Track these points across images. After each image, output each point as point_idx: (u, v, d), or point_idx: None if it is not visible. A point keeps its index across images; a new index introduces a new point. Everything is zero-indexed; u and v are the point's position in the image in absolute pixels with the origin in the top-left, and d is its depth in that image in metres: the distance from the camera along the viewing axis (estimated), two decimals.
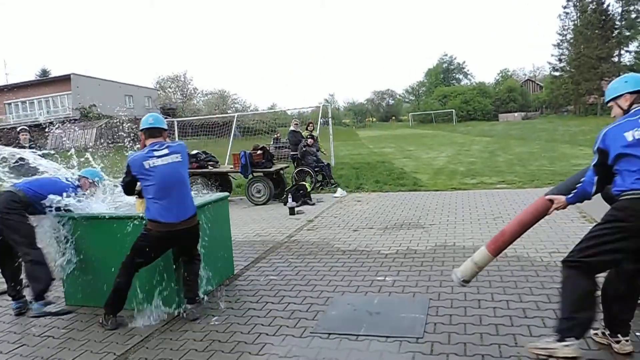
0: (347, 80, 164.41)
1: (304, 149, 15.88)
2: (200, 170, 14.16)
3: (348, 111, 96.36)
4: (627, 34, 62.50)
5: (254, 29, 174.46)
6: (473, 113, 73.66)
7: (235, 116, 23.02)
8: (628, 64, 62.96)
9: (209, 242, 6.38)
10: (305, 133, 17.19)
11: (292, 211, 11.71)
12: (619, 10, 62.66)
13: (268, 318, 5.66)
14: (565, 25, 66.73)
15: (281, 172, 14.65)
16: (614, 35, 62.05)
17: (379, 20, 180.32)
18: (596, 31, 60.90)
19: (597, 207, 5.10)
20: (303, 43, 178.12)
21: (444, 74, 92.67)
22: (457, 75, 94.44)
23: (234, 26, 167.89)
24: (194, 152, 14.70)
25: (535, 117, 69.62)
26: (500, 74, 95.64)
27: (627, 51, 63.82)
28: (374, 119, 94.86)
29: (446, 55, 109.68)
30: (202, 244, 6.13)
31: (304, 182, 13.92)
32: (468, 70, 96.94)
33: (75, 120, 48.96)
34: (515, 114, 69.78)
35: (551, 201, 4.65)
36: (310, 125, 18.07)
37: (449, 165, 19.78)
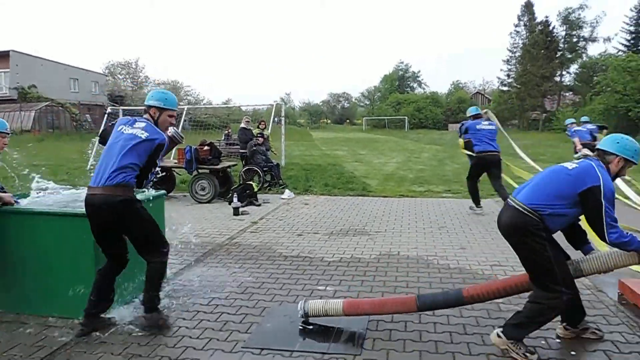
0: (305, 81, 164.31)
1: (254, 147, 15.47)
2: None
3: (303, 111, 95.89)
4: (569, 56, 65.88)
5: (214, 24, 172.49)
6: (425, 121, 74.52)
7: (186, 109, 22.33)
8: (568, 83, 67.08)
9: None
10: (256, 131, 16.77)
11: (236, 211, 11.29)
12: (563, 33, 65.22)
13: (198, 330, 5.25)
14: (515, 43, 68.73)
15: (228, 170, 14.17)
16: (557, 56, 64.85)
17: (342, 23, 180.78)
18: (542, 51, 63.32)
19: None
20: (263, 40, 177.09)
21: (399, 81, 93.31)
22: (411, 84, 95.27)
23: (193, 18, 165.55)
24: None
25: None
26: (453, 85, 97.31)
27: (567, 72, 67.42)
28: (329, 121, 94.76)
29: (402, 62, 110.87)
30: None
31: (251, 182, 13.50)
32: (422, 79, 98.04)
33: (13, 100, 46.90)
34: None
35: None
36: (262, 123, 17.65)
37: (398, 171, 19.66)
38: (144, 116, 5.19)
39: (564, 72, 67.14)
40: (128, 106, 41.70)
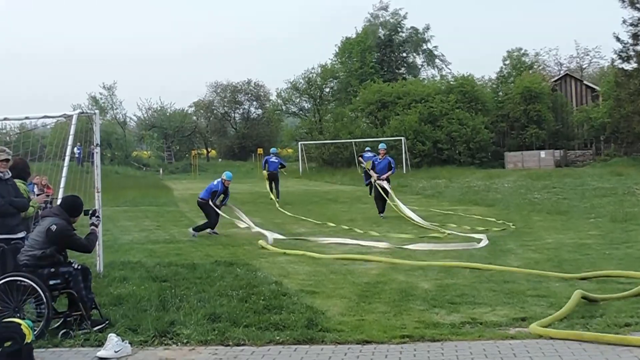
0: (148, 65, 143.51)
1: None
2: None
3: (148, 130, 69.68)
4: None
5: None
6: (449, 146, 43.35)
7: None
8: None
9: None
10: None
11: None
12: None
13: None
14: None
15: None
16: None
17: None
18: None
19: None
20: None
21: (383, 53, 52.18)
22: (412, 57, 60.35)
23: None
24: None
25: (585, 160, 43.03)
26: (507, 60, 51.87)
27: None
28: (211, 153, 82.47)
29: (384, 4, 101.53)
30: None
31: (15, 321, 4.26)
32: (435, 47, 59.49)
33: None
34: (543, 153, 41.38)
35: None
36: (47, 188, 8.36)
37: (394, 275, 10.86)
38: None
39: None
40: None
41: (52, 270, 6.56)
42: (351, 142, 43.41)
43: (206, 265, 10.24)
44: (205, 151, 67.53)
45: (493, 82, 50.99)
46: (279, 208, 19.82)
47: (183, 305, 7.36)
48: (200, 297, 7.79)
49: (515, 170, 36.41)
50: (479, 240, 12.17)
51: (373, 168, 17.59)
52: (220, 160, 63.09)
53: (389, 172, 17.26)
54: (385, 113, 45.32)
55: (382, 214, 17.03)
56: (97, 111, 10.13)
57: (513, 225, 14.56)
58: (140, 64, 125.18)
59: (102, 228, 9.42)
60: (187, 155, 60.68)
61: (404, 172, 37.55)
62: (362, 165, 27.20)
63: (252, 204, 22.16)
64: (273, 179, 22.77)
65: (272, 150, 25.63)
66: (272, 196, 22.06)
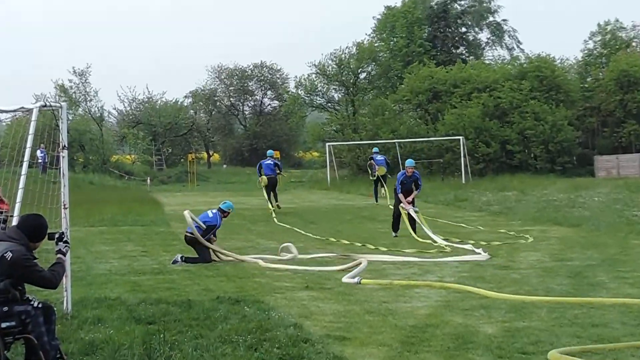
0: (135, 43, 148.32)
1: None
2: None
3: (140, 134, 73.02)
4: None
5: None
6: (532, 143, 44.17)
7: None
8: None
9: None
10: None
11: None
12: None
13: None
14: None
15: None
16: None
17: None
18: None
19: None
20: None
21: (435, 28, 61.05)
22: (472, 35, 56.57)
23: None
24: None
25: None
26: (598, 34, 53.66)
27: None
28: (212, 156, 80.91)
29: None
30: None
31: None
32: (506, 22, 62.24)
33: None
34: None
35: None
36: None
37: (452, 315, 10.80)
38: None
39: None
40: None
41: (5, 309, 6.66)
42: (394, 142, 43.59)
43: (205, 302, 10.37)
44: (205, 155, 68.43)
45: (579, 65, 50.84)
46: (278, 222, 20.60)
47: (174, 354, 7.52)
48: (197, 344, 7.92)
49: (609, 179, 36.40)
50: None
51: (403, 186, 18.67)
52: (225, 166, 63.86)
53: (415, 193, 18.73)
54: (439, 105, 45.55)
55: (395, 234, 18.79)
56: (64, 103, 10.26)
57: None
58: (121, 36, 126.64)
59: (72, 255, 9.58)
60: (182, 160, 61.43)
61: (463, 181, 37.50)
62: (374, 172, 28.44)
63: (265, 222, 22.43)
64: (271, 184, 24.42)
65: (269, 152, 27.61)
66: (270, 205, 23.45)
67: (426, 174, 41.00)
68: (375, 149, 32.50)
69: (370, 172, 30.65)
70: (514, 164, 42.17)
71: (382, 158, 29.40)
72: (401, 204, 18.38)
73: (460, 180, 37.51)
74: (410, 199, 18.49)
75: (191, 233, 14.76)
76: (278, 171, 25.28)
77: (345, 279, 12.00)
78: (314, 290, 11.39)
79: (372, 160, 29.51)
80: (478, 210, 24.82)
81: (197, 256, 14.75)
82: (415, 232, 17.93)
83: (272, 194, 24.22)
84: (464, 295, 10.59)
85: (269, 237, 18.13)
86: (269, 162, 25.06)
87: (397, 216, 18.80)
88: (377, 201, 28.71)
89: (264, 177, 24.38)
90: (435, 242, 16.87)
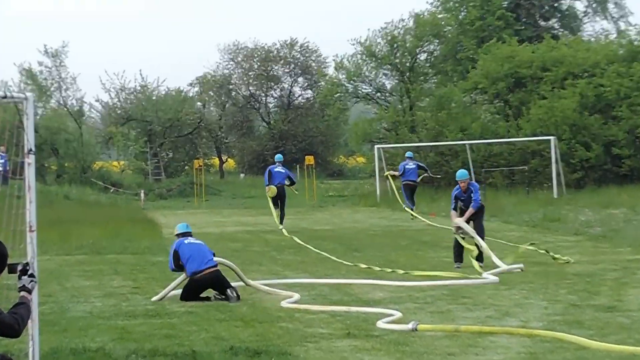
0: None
1: None
2: None
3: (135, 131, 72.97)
4: None
5: None
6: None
7: None
8: None
9: None
10: None
11: None
12: None
13: None
14: None
15: None
16: None
17: None
18: None
19: None
20: None
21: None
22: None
23: None
24: None
25: None
26: None
27: None
28: (227, 162, 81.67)
29: None
30: None
31: None
32: None
33: None
34: None
35: None
36: None
37: None
38: None
39: None
40: None
41: None
42: (465, 144, 43.81)
43: (215, 355, 10.58)
44: (217, 161, 69.04)
45: None
46: (313, 249, 21.25)
47: None
48: None
49: None
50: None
51: (462, 204, 19.38)
52: (242, 175, 64.41)
53: (470, 210, 19.08)
54: (523, 96, 45.41)
55: (458, 265, 19.13)
56: (30, 94, 10.31)
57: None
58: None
59: (40, 292, 9.68)
60: (186, 167, 61.94)
61: (555, 195, 37.48)
62: (394, 174, 29.41)
63: (294, 250, 22.55)
64: (280, 195, 25.46)
65: (277, 157, 28.48)
66: (276, 220, 24.59)
67: (506, 185, 41.20)
68: (408, 154, 33.65)
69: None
70: (622, 173, 42.11)
71: (415, 165, 31.46)
72: (457, 229, 18.93)
73: (551, 194, 37.57)
74: (465, 217, 18.97)
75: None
76: (288, 183, 26.23)
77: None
78: (358, 338, 11.43)
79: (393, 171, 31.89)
80: (574, 234, 24.83)
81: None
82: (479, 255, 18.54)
83: (279, 209, 25.08)
84: (554, 345, 10.58)
85: (299, 268, 18.18)
86: (280, 169, 26.15)
87: (456, 243, 19.30)
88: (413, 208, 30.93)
89: (272, 187, 25.39)
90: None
